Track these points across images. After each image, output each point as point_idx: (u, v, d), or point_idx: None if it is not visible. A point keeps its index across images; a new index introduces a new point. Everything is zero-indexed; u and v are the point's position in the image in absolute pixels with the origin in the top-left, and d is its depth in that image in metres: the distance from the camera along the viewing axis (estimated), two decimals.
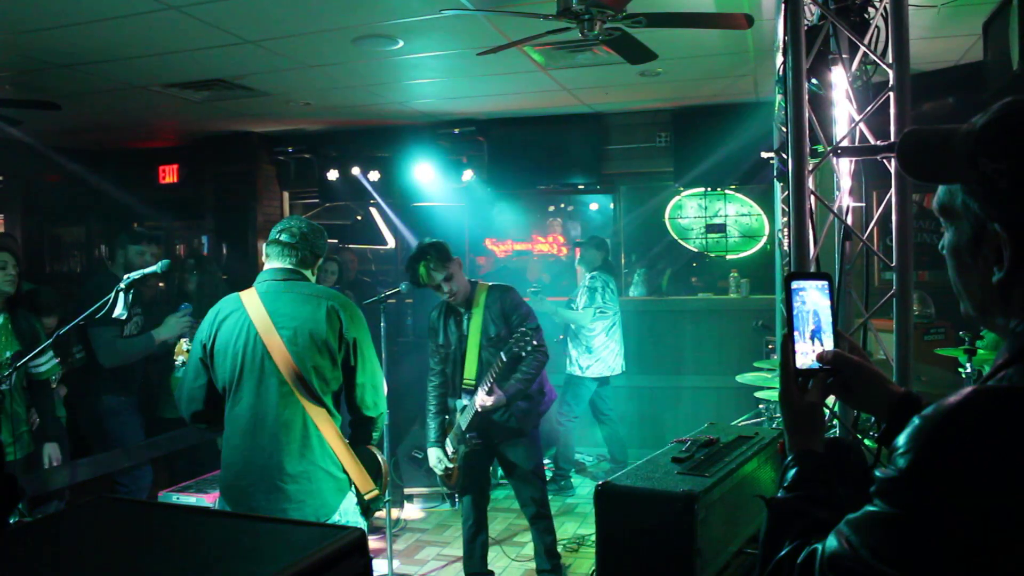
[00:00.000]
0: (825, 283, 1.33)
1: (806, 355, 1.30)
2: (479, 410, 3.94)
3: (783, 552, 1.10)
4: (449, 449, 4.20)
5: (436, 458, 4.20)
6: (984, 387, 0.98)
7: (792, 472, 1.23)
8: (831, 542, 1.00)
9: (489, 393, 3.90)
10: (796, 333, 1.30)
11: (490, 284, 4.17)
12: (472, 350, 4.04)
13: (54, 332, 3.41)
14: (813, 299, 1.32)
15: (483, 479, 4.30)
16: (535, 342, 3.86)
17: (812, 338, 1.31)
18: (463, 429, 4.07)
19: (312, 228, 3.04)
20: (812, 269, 2.64)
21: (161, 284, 5.31)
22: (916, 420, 0.96)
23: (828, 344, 1.31)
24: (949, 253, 1.11)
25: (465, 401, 4.06)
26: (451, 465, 4.20)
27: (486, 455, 4.20)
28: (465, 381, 4.06)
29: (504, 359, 3.83)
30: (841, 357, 1.31)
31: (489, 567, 4.38)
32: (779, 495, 1.22)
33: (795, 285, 1.32)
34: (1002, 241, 0.99)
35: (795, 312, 1.31)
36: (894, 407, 1.28)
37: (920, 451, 0.93)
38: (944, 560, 0.89)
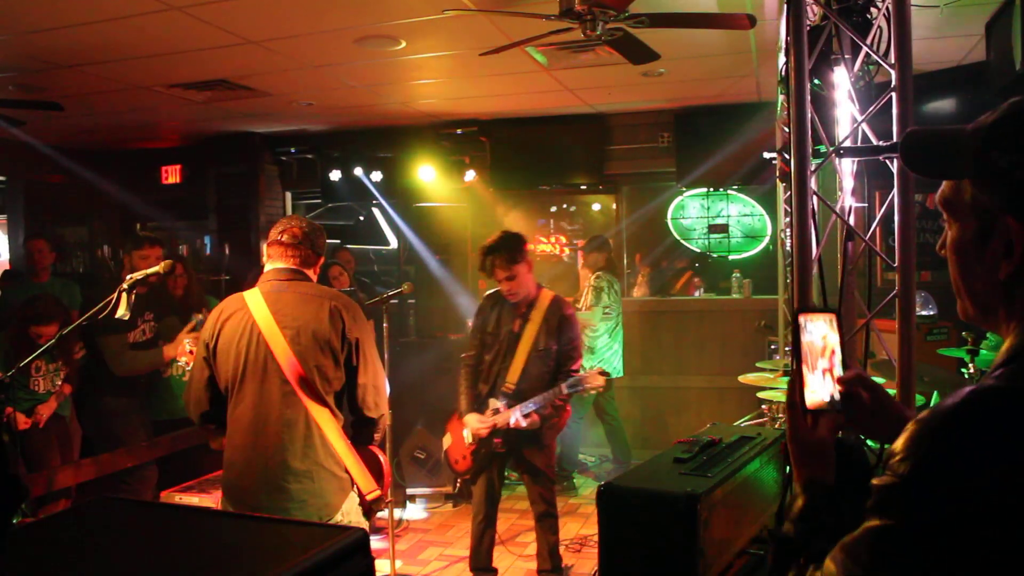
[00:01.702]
0: (832, 318, 1.30)
1: (815, 392, 1.26)
2: (511, 426, 4.03)
3: None
4: (467, 439, 4.24)
5: (476, 420, 4.18)
6: (982, 386, 0.97)
7: (799, 503, 1.20)
8: (829, 569, 0.98)
9: (526, 416, 4.00)
10: (805, 368, 1.26)
11: (554, 296, 4.24)
12: (520, 355, 4.11)
13: (53, 337, 3.39)
14: (821, 334, 1.29)
15: (498, 477, 4.36)
16: (577, 357, 4.09)
17: (822, 374, 1.27)
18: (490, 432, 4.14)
19: (312, 227, 3.04)
20: (815, 270, 2.64)
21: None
22: (912, 425, 0.94)
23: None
24: (952, 250, 1.10)
25: (500, 404, 4.10)
26: (480, 430, 4.21)
27: (504, 455, 4.26)
28: (507, 384, 4.12)
29: (565, 392, 3.98)
30: (861, 379, 1.29)
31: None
32: (784, 528, 1.19)
33: (803, 320, 1.28)
34: (1014, 233, 0.99)
35: (804, 348, 1.27)
36: None
37: (921, 455, 0.91)
38: (952, 567, 0.88)
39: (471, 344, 4.36)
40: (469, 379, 4.31)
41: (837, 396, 1.28)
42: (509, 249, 4.10)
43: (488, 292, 4.39)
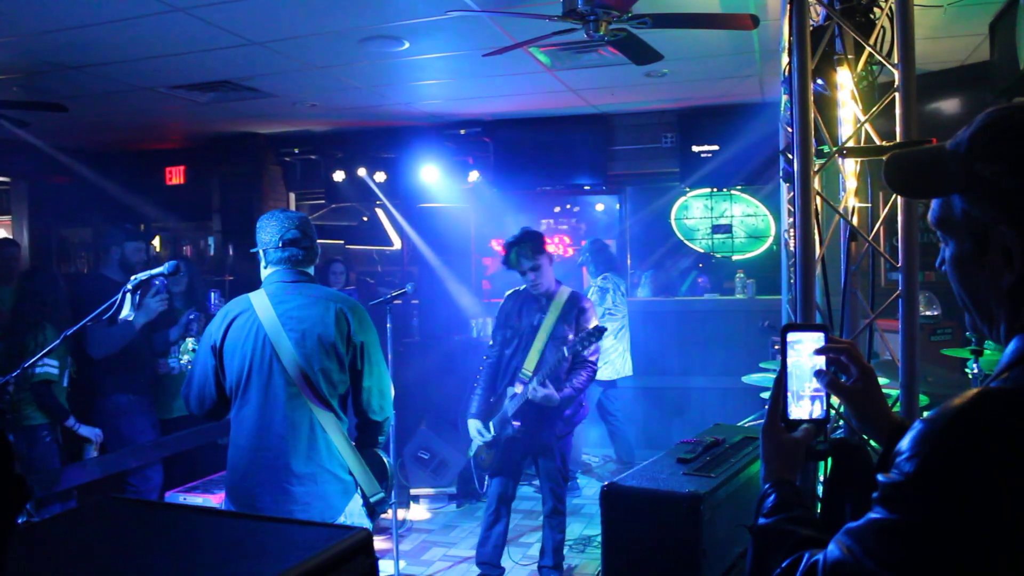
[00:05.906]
0: (822, 335, 1.35)
1: (798, 406, 1.33)
2: (529, 398, 4.08)
3: (781, 567, 1.10)
4: (485, 436, 4.29)
5: (475, 429, 4.32)
6: (989, 388, 0.97)
7: (771, 499, 1.25)
8: (833, 551, 0.99)
9: (543, 385, 4.05)
10: (789, 381, 1.33)
11: (572, 291, 4.36)
12: (538, 343, 4.21)
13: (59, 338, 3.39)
14: (809, 349, 1.34)
15: (516, 470, 4.39)
16: (593, 349, 4.11)
17: (804, 388, 1.33)
18: (509, 416, 4.19)
19: (303, 221, 3.02)
20: (818, 270, 2.64)
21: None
22: (919, 424, 0.95)
23: (821, 397, 1.33)
24: (952, 266, 1.10)
25: (517, 389, 4.18)
26: (489, 439, 4.31)
27: (522, 448, 4.29)
28: (523, 371, 4.20)
29: (567, 354, 4.05)
30: (839, 348, 1.33)
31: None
32: (760, 522, 1.23)
33: (790, 336, 1.34)
34: (1010, 241, 0.99)
35: (789, 363, 1.33)
36: (894, 432, 1.29)
37: (927, 455, 0.92)
38: (953, 567, 0.88)
39: (493, 342, 4.45)
40: (486, 379, 4.40)
41: (820, 410, 1.33)
42: (532, 241, 4.25)
43: (510, 291, 4.47)
